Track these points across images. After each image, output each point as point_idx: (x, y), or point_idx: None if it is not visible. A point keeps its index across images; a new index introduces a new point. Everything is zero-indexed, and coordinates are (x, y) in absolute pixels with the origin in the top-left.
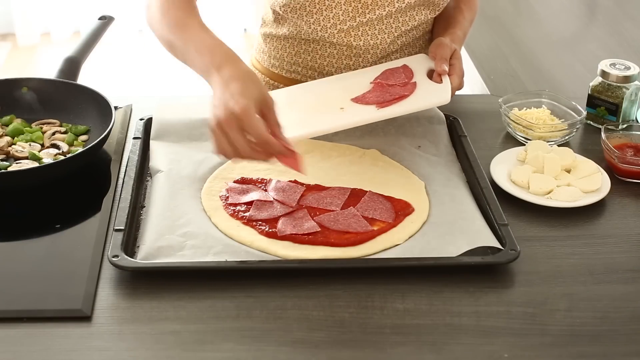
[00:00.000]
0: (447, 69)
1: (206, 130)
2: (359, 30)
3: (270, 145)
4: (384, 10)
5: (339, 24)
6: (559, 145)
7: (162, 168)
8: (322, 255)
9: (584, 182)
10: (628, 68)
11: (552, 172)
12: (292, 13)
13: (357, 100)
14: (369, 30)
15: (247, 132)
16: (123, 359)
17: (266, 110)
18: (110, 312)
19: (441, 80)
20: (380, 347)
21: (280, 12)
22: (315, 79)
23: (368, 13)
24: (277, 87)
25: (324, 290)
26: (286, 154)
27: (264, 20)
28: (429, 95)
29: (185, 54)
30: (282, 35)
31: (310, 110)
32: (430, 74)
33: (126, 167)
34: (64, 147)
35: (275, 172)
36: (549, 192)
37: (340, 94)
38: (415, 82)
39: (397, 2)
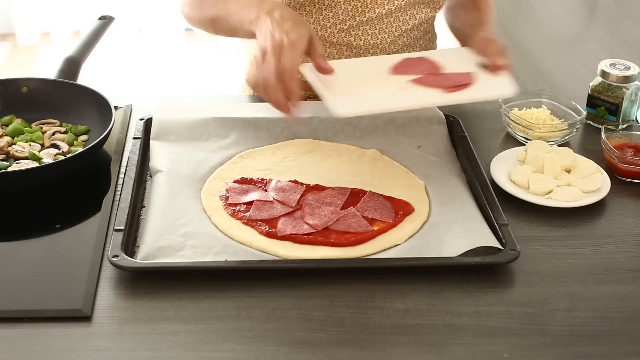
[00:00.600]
0: (507, 62)
1: (206, 130)
2: (359, 30)
3: (289, 83)
4: (384, 9)
5: (339, 24)
6: (559, 145)
7: (162, 168)
8: (322, 255)
9: (584, 182)
10: (628, 68)
11: (552, 172)
12: (294, 8)
13: (418, 81)
14: (369, 29)
15: (282, 63)
16: (123, 359)
17: (311, 47)
18: (110, 312)
19: (498, 73)
20: (380, 347)
21: None
22: None
23: (368, 12)
24: None
25: (324, 290)
26: (289, 99)
27: None
28: (493, 87)
29: (229, 17)
30: None
31: (370, 86)
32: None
33: (126, 167)
34: (64, 147)
35: (276, 173)
36: (549, 192)
37: (383, 74)
38: (470, 72)
39: (396, 0)
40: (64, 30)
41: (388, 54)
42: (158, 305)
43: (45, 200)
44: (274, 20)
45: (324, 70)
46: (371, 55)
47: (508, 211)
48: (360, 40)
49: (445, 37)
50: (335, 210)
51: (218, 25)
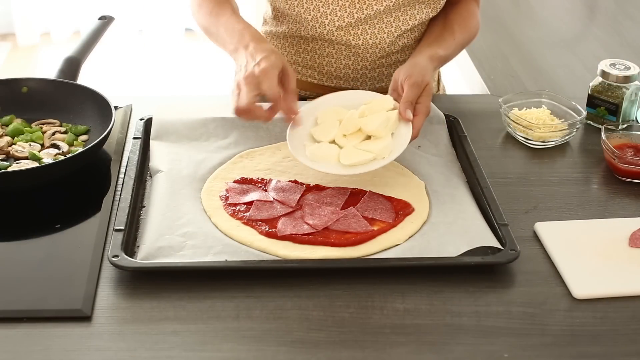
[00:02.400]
0: (411, 116)
1: (206, 130)
2: (359, 29)
3: (277, 104)
4: (382, 6)
5: (337, 20)
6: (559, 145)
7: (162, 168)
8: (322, 255)
9: (356, 152)
10: (628, 68)
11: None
12: (292, 4)
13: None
14: (369, 29)
15: (263, 90)
16: (123, 359)
17: (285, 79)
18: (110, 312)
19: (406, 117)
20: (380, 347)
21: (280, 8)
22: (315, 78)
23: (366, 9)
24: None
25: (324, 290)
26: (287, 115)
27: (265, 18)
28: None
29: (218, 38)
30: (282, 34)
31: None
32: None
33: (126, 167)
34: (64, 147)
35: (276, 173)
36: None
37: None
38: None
39: None
40: (64, 30)
41: (387, 54)
42: (158, 305)
43: (45, 200)
44: (248, 54)
45: (290, 110)
46: (369, 55)
47: (508, 211)
48: (359, 39)
49: None
50: (335, 210)
51: (210, 35)
